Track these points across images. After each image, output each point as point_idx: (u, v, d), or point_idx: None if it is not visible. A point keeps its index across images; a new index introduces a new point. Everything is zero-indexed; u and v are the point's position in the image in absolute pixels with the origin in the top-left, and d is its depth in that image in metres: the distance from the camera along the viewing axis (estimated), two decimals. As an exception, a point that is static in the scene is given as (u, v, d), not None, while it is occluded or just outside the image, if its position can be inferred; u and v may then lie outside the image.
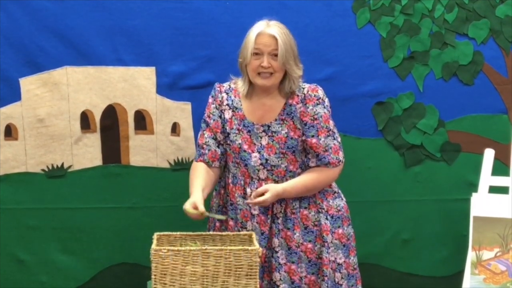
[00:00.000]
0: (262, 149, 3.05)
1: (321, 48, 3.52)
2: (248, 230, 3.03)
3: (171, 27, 3.46)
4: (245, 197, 3.06)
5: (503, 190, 3.30)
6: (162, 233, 2.96)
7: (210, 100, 3.14)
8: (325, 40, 3.53)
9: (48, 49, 3.41)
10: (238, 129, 3.08)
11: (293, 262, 3.05)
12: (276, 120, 3.05)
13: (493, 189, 3.30)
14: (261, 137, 3.06)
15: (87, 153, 3.51)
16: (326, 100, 3.08)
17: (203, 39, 3.48)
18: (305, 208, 3.08)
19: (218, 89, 3.14)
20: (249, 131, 3.07)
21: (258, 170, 3.06)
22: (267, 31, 2.99)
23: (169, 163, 3.54)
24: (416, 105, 3.59)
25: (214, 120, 3.11)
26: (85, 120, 3.49)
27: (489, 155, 3.29)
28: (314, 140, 3.03)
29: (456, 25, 3.57)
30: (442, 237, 3.64)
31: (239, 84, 3.10)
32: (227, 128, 3.09)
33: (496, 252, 3.24)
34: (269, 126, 3.06)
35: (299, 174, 3.08)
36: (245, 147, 3.06)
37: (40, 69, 3.43)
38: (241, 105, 3.09)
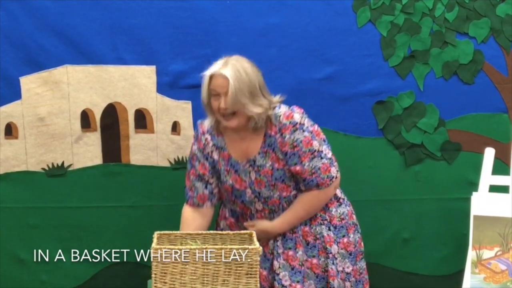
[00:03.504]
0: (252, 184, 3.01)
1: (322, 47, 3.52)
2: None
3: (172, 26, 3.47)
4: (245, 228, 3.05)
5: (503, 189, 3.30)
6: (162, 232, 2.95)
7: (193, 140, 3.11)
8: (325, 39, 3.53)
9: (48, 48, 3.41)
10: (226, 170, 3.04)
11: (298, 282, 3.01)
12: (259, 153, 2.99)
13: (494, 188, 3.29)
14: (249, 172, 3.01)
15: (88, 152, 3.51)
16: (305, 120, 2.96)
17: (203, 38, 3.48)
18: (305, 224, 3.04)
19: (201, 130, 3.07)
20: (236, 170, 3.02)
21: (254, 203, 3.03)
22: (220, 71, 2.88)
23: (170, 162, 3.54)
24: (416, 104, 3.59)
25: (199, 162, 3.06)
26: (86, 119, 3.49)
27: (489, 154, 3.29)
28: (298, 168, 2.96)
29: (456, 24, 3.57)
30: (443, 236, 3.64)
31: (207, 124, 3.04)
32: (217, 167, 3.06)
33: (496, 251, 3.24)
34: (254, 161, 3.00)
35: (295, 195, 3.03)
36: (237, 186, 3.02)
37: (40, 67, 3.43)
38: (225, 144, 3.04)
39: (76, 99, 3.47)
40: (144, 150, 3.53)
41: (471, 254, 3.24)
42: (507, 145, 3.51)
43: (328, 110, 3.53)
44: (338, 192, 3.10)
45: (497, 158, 3.34)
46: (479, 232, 3.23)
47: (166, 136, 3.53)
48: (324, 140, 3.00)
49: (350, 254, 3.06)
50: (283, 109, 2.97)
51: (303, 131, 2.94)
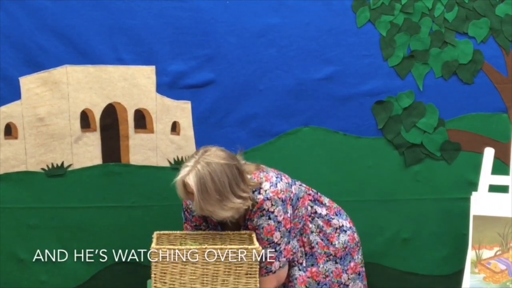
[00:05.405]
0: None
1: (321, 47, 3.52)
2: None
3: (171, 26, 3.46)
4: None
5: (503, 189, 3.30)
6: (162, 232, 2.96)
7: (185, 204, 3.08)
8: (325, 39, 3.53)
9: (48, 48, 3.41)
10: None
11: None
12: (251, 219, 2.95)
13: (493, 188, 3.29)
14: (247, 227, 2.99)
15: (87, 152, 3.51)
16: (276, 210, 2.89)
17: (203, 38, 3.48)
18: (312, 265, 3.05)
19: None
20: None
21: None
22: (185, 179, 2.81)
23: (169, 162, 3.54)
24: (416, 104, 3.59)
25: (193, 215, 3.04)
26: (85, 119, 3.49)
27: (489, 154, 3.29)
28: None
29: (456, 24, 3.57)
30: (442, 236, 3.64)
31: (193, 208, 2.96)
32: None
33: (496, 251, 3.24)
34: (251, 219, 2.96)
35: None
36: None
37: (40, 68, 3.43)
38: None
39: (76, 99, 3.47)
40: (143, 150, 3.53)
41: (470, 254, 3.24)
42: (507, 145, 3.51)
43: (328, 110, 3.53)
44: (335, 223, 3.08)
45: (496, 158, 3.34)
46: (478, 232, 3.23)
47: (166, 136, 3.53)
48: (288, 231, 2.93)
49: (359, 274, 3.09)
50: (262, 193, 2.89)
51: (269, 219, 2.89)
